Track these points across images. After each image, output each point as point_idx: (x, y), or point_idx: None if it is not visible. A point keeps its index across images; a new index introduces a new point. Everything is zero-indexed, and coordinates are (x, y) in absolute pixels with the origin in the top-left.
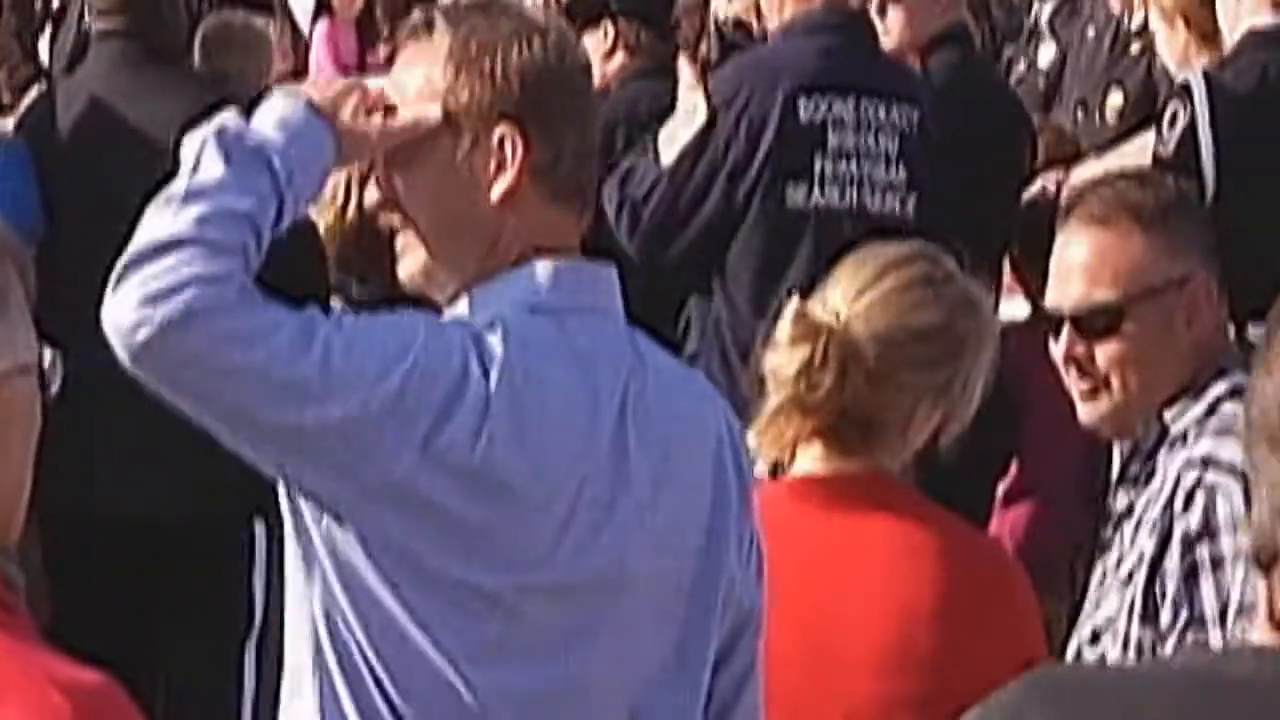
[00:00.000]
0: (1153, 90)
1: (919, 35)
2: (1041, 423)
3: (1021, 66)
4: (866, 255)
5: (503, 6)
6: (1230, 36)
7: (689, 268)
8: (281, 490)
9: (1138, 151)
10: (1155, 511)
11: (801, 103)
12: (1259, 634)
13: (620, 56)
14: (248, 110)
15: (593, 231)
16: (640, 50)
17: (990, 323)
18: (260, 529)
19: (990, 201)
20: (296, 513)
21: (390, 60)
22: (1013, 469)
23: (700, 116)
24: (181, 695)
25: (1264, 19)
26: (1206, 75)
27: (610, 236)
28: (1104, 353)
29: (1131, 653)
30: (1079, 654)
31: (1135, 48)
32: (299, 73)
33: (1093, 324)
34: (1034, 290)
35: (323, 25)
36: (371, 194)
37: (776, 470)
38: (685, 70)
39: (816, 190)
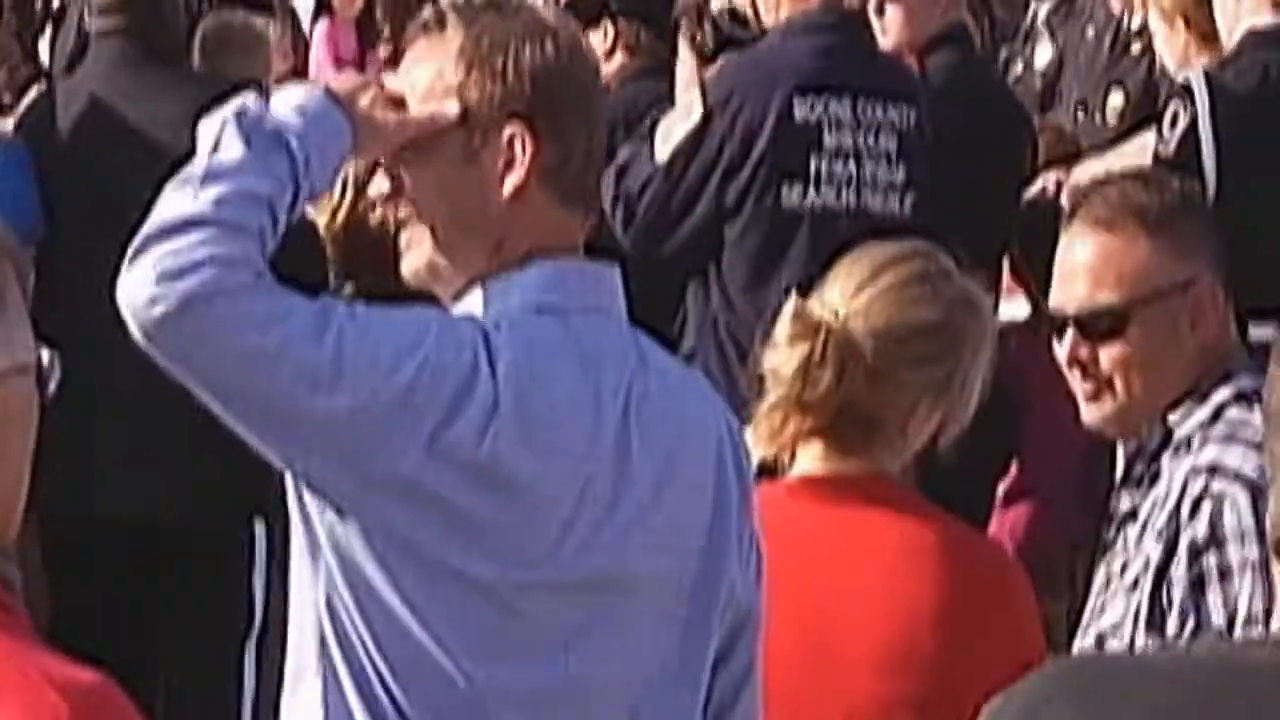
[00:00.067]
0: (1154, 91)
1: (917, 35)
2: (1041, 423)
3: (1019, 67)
4: (864, 253)
5: (515, 5)
6: (1227, 36)
7: (682, 264)
8: (288, 479)
9: (1138, 151)
10: (1161, 518)
11: (797, 103)
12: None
13: (620, 56)
14: None
15: (596, 230)
16: (640, 50)
17: (988, 321)
18: (260, 529)
19: (990, 202)
20: (302, 502)
21: (392, 60)
22: (1013, 469)
23: (696, 114)
24: (181, 695)
25: (1264, 19)
26: (1207, 75)
27: (613, 235)
28: (1108, 355)
29: None
30: None
31: (1136, 48)
32: (299, 73)
33: (1096, 326)
34: (1034, 290)
35: (323, 25)
36: (379, 186)
37: (774, 469)
38: (683, 66)
39: (812, 190)
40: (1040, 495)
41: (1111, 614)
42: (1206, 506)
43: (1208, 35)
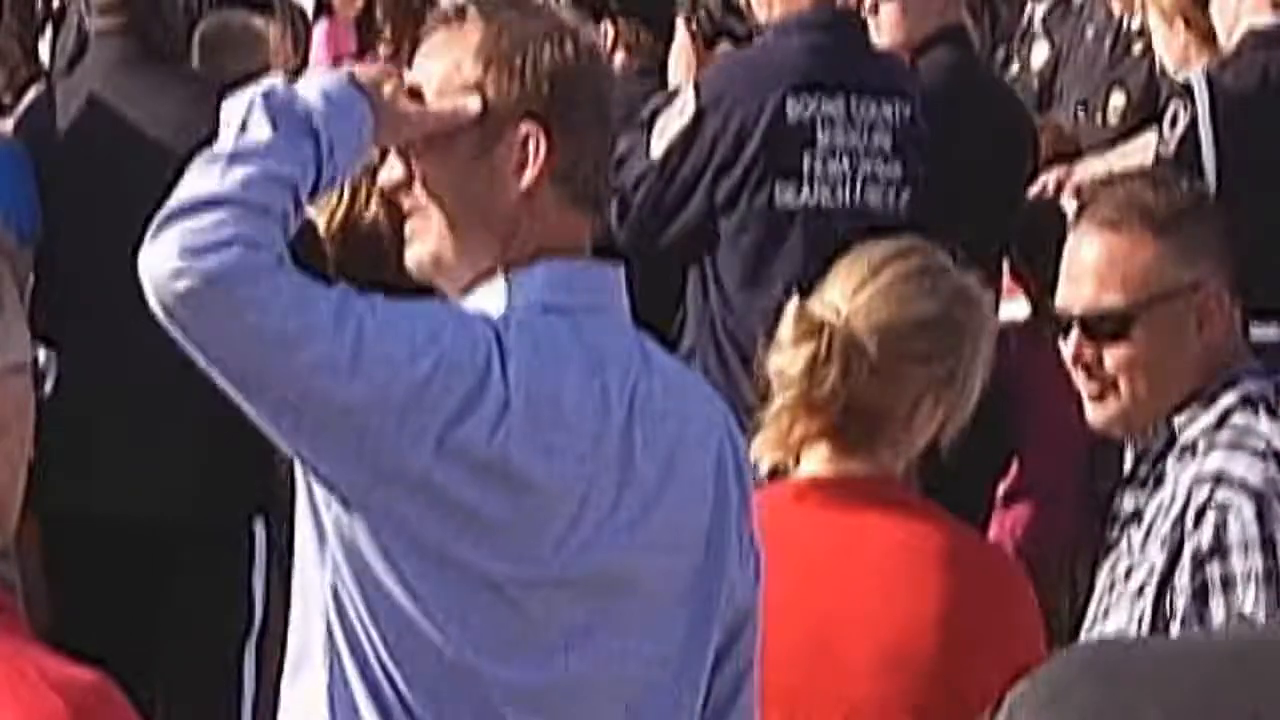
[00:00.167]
0: (1155, 91)
1: (912, 35)
2: (1041, 422)
3: (1015, 67)
4: (862, 251)
5: (536, 4)
6: (1225, 37)
7: (676, 259)
8: (297, 469)
9: (1141, 150)
10: (1166, 525)
11: (790, 102)
12: None
13: (620, 56)
14: None
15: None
16: (640, 50)
17: (987, 315)
18: (260, 528)
19: (989, 202)
20: (310, 492)
21: (392, 60)
22: (1013, 469)
23: (690, 111)
24: (181, 695)
25: (1264, 19)
26: (1207, 75)
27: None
28: (1112, 357)
29: None
30: None
31: (1137, 48)
32: (299, 73)
33: (1101, 328)
34: (1034, 290)
35: (323, 25)
36: (390, 173)
37: (780, 472)
38: (678, 49)
39: (806, 189)
40: (1040, 494)
41: (1115, 620)
42: (1211, 515)
43: (1208, 35)
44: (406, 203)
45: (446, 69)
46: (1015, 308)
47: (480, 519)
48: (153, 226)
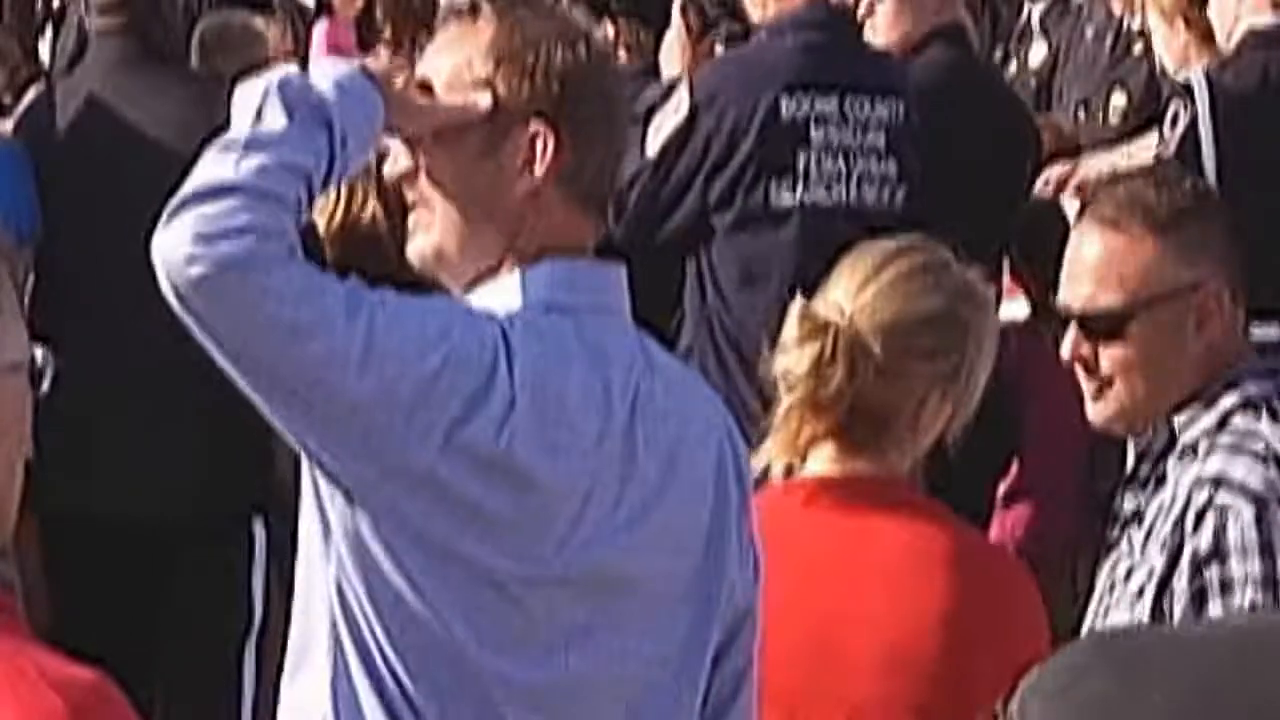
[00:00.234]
0: (1156, 91)
1: (908, 33)
2: (1041, 422)
3: (1013, 67)
4: (864, 250)
5: (549, 5)
6: (1223, 36)
7: (672, 257)
8: (303, 462)
9: (1147, 150)
10: (1166, 527)
11: (784, 101)
12: None
13: (620, 56)
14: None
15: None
16: (640, 50)
17: (990, 310)
18: (259, 528)
19: (988, 201)
20: (315, 486)
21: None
22: (1013, 469)
23: (684, 109)
24: (181, 695)
25: (1264, 19)
26: (1207, 75)
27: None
28: (1109, 356)
29: None
30: None
31: (1138, 48)
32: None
33: (1098, 326)
34: (1034, 290)
35: (322, 25)
36: (397, 164)
37: (789, 472)
38: (672, 35)
39: (801, 187)
40: (1040, 494)
41: (1115, 621)
42: (1210, 519)
43: (1208, 35)
44: (411, 195)
45: (457, 64)
46: (1015, 308)
47: (484, 515)
48: (166, 212)
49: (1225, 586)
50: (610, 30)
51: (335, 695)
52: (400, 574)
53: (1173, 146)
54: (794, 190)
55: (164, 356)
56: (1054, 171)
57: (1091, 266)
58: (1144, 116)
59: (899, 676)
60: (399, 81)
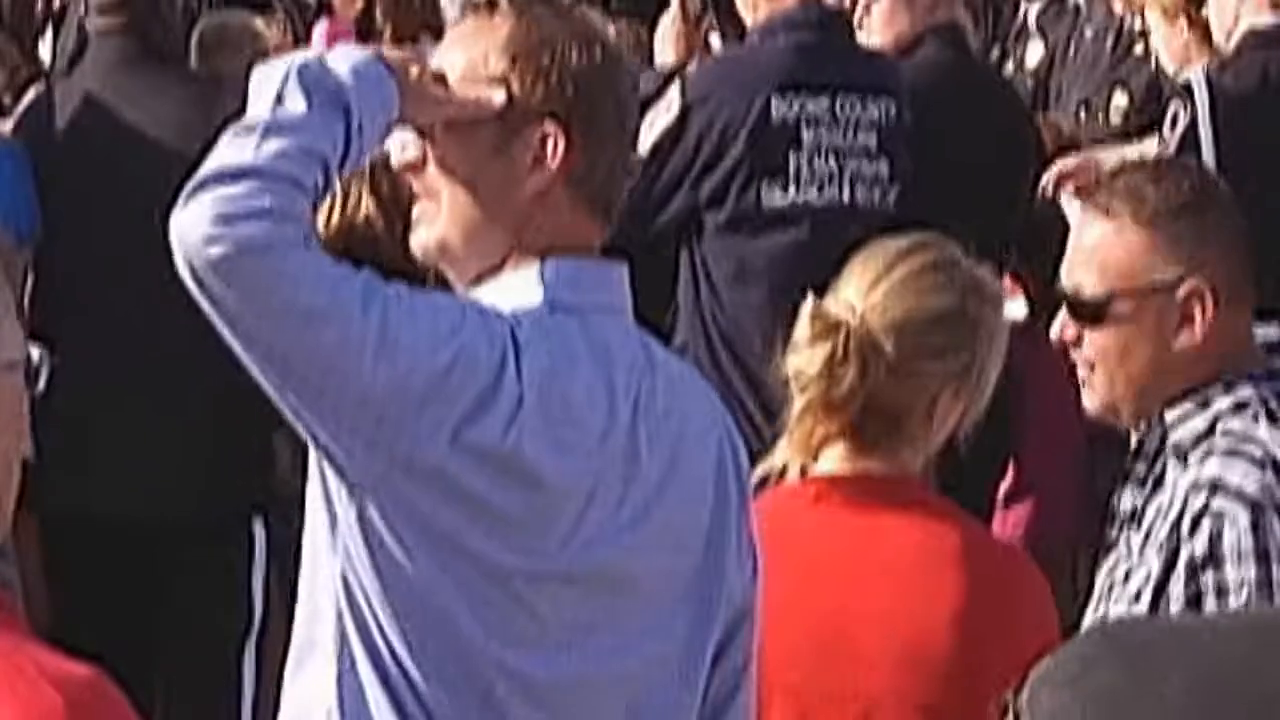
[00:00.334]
0: (1158, 91)
1: (903, 33)
2: (1041, 422)
3: (1010, 67)
4: (874, 249)
5: (566, 6)
6: (1222, 36)
7: (664, 254)
8: (310, 455)
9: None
10: (1163, 531)
11: (775, 101)
12: None
13: None
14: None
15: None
16: (641, 49)
17: (1000, 306)
18: (259, 528)
19: (989, 202)
20: (323, 478)
21: None
22: (1013, 469)
23: (676, 108)
24: (181, 695)
25: (1264, 19)
26: (1207, 75)
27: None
28: (1090, 341)
29: None
30: None
31: (1139, 49)
32: None
33: (1081, 312)
34: (1034, 290)
35: (323, 25)
36: (405, 153)
37: (802, 472)
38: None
39: (793, 188)
40: (1040, 494)
41: None
42: (1206, 524)
43: (1209, 34)
44: (417, 185)
45: (472, 59)
46: (1015, 308)
47: (491, 511)
48: (185, 192)
49: (1221, 592)
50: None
51: (340, 688)
52: (407, 567)
53: (1172, 147)
54: (786, 191)
55: (164, 356)
56: (1069, 163)
57: (1081, 252)
58: (1146, 117)
59: (911, 674)
60: (414, 71)
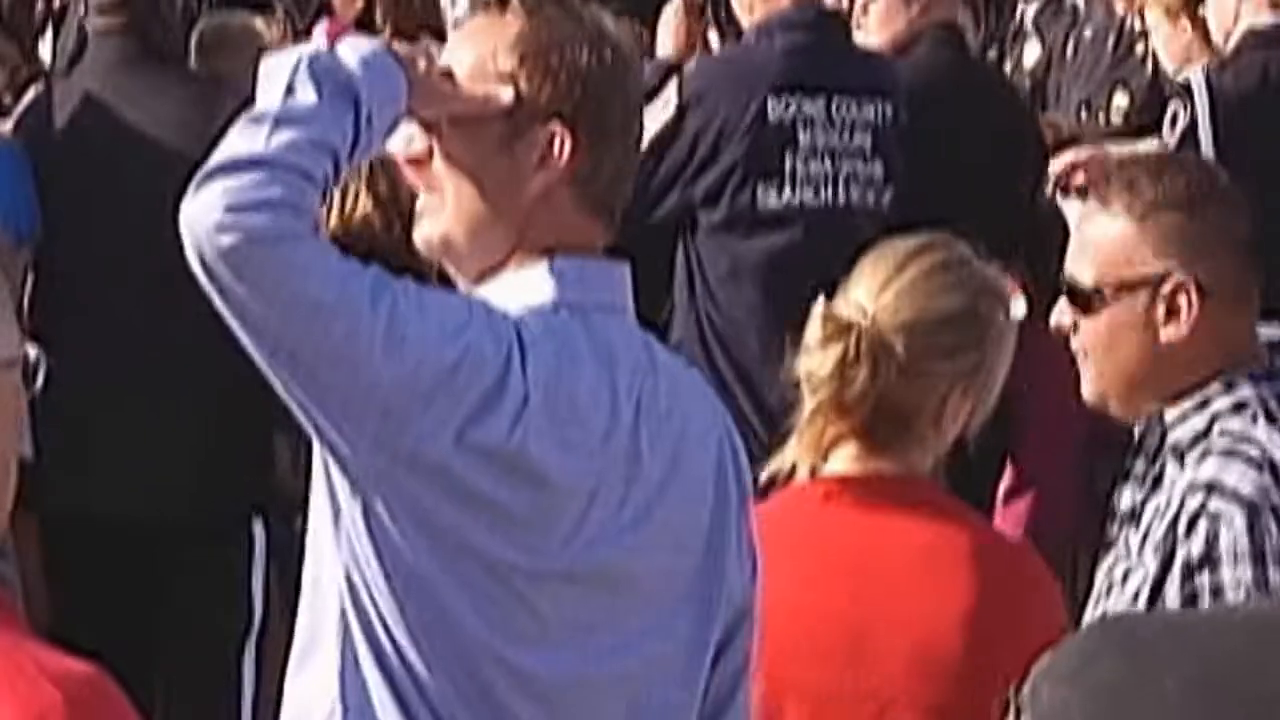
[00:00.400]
0: (1159, 91)
1: (900, 33)
2: (1041, 421)
3: (1007, 67)
4: (884, 250)
5: (577, 6)
6: (1221, 36)
7: (660, 251)
8: (315, 450)
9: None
10: (1160, 531)
11: (771, 103)
12: None
13: None
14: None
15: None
16: (641, 49)
17: (1008, 306)
18: (259, 528)
19: (989, 202)
20: (327, 474)
21: None
22: (1012, 467)
23: (672, 106)
24: (181, 695)
25: (1264, 19)
26: (1207, 75)
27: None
28: (1082, 330)
29: None
30: None
31: (1140, 49)
32: None
33: (1074, 300)
34: (1033, 290)
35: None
36: (411, 146)
37: (812, 473)
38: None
39: (789, 189)
40: (1040, 492)
41: None
42: (1203, 525)
43: (1211, 34)
44: (422, 179)
45: (481, 55)
46: (1014, 308)
47: (495, 508)
48: (194, 182)
49: (1217, 593)
50: None
51: (343, 684)
52: (410, 563)
53: (1172, 147)
54: (781, 192)
55: (164, 356)
56: (1081, 154)
57: (1078, 240)
58: (1146, 117)
59: (922, 674)
60: (422, 64)
